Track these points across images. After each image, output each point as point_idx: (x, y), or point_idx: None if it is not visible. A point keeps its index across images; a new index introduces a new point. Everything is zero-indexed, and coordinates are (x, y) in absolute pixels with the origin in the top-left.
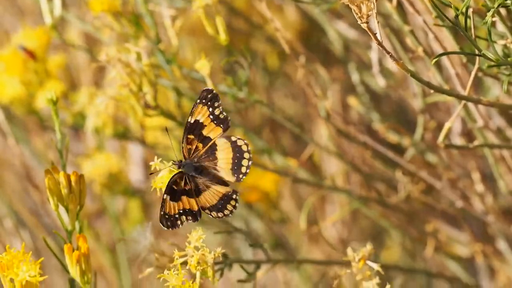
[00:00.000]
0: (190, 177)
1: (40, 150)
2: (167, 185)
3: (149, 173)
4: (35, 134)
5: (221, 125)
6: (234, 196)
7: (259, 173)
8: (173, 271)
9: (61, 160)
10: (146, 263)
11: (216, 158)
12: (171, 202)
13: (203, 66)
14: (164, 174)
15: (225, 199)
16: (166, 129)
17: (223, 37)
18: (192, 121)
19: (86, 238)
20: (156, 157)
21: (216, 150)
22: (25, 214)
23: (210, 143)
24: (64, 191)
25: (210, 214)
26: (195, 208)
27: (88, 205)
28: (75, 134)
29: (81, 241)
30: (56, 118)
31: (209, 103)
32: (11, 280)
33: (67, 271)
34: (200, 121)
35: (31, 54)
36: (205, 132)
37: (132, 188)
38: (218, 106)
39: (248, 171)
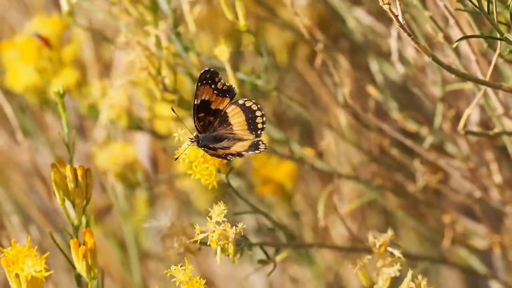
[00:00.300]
0: (212, 147)
1: (49, 145)
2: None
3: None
4: (45, 128)
5: (227, 95)
6: (261, 142)
7: (274, 164)
8: (180, 267)
9: (68, 154)
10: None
11: (230, 124)
12: (209, 150)
13: (222, 52)
14: (186, 147)
15: (255, 144)
16: (175, 103)
17: (242, 22)
18: (198, 102)
19: (93, 233)
20: (180, 129)
21: (228, 117)
22: (32, 210)
23: (221, 114)
24: (71, 185)
25: (247, 152)
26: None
27: (97, 200)
28: (81, 128)
29: (87, 236)
30: (63, 111)
31: (210, 81)
32: (17, 275)
33: (74, 267)
34: (206, 99)
35: (45, 41)
36: (213, 106)
37: (149, 177)
38: (219, 81)
39: (264, 126)
